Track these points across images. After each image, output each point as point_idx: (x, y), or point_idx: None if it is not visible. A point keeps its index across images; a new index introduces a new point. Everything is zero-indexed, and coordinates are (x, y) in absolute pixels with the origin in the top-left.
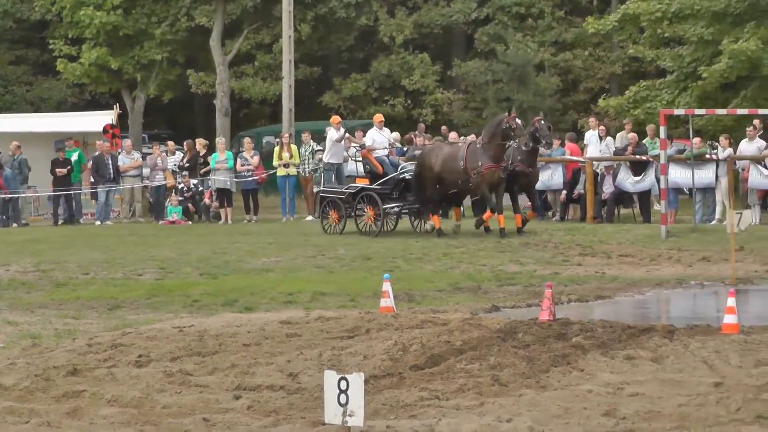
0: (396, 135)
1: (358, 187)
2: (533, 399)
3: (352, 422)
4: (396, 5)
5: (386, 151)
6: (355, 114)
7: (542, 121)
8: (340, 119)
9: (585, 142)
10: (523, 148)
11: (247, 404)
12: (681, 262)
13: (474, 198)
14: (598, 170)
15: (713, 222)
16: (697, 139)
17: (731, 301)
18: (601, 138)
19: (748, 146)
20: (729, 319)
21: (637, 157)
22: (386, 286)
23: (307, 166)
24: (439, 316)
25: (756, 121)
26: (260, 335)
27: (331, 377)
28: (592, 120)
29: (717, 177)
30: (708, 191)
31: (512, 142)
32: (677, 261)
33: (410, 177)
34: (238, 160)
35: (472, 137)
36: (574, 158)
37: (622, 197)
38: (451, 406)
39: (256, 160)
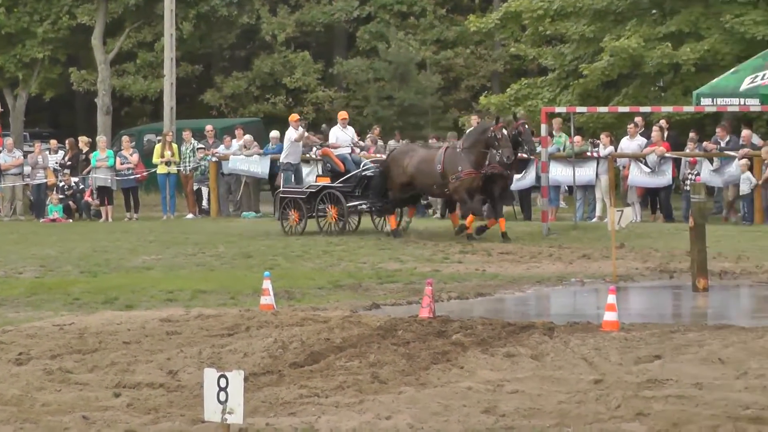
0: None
1: (318, 186)
2: (413, 396)
3: (231, 420)
4: (278, 4)
5: (349, 149)
6: (236, 112)
7: (526, 125)
8: (298, 117)
9: None
10: (505, 160)
11: (126, 402)
12: (561, 260)
13: (449, 202)
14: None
15: (594, 219)
16: (578, 137)
17: (611, 299)
18: None
19: (629, 144)
20: (609, 316)
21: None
22: (266, 284)
23: (187, 164)
24: (319, 314)
25: (637, 119)
26: (140, 333)
27: (210, 375)
28: (474, 118)
29: (597, 175)
30: (588, 189)
31: (495, 152)
32: (558, 258)
33: (371, 174)
34: (118, 158)
35: (451, 141)
36: None
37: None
38: (330, 404)
39: (135, 158)
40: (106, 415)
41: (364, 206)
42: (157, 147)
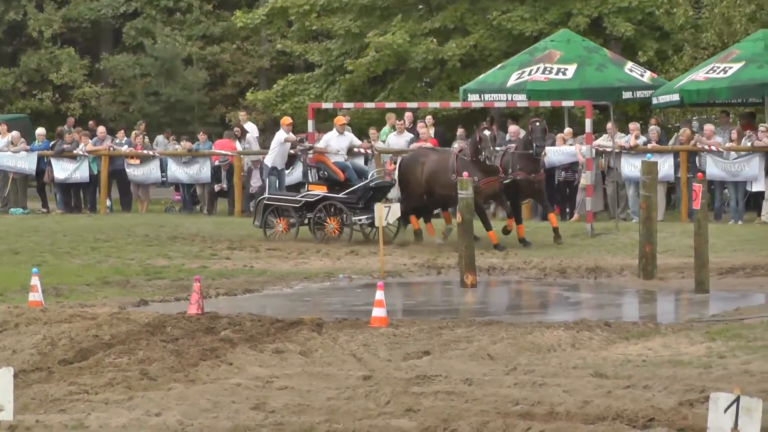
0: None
1: (318, 195)
2: (182, 393)
3: (1, 417)
4: (45, 0)
5: (342, 158)
6: (3, 108)
7: (537, 123)
8: (291, 120)
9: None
10: (487, 162)
11: None
12: (329, 256)
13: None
14: (246, 164)
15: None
16: None
17: (379, 295)
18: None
19: (397, 140)
20: (377, 312)
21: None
22: (35, 281)
23: None
24: (88, 311)
25: (407, 114)
26: None
27: None
28: (242, 114)
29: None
30: None
31: (480, 156)
32: (326, 254)
33: (375, 186)
34: None
35: (458, 145)
36: (223, 152)
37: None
38: (100, 400)
39: None
40: None
41: (365, 221)
42: None
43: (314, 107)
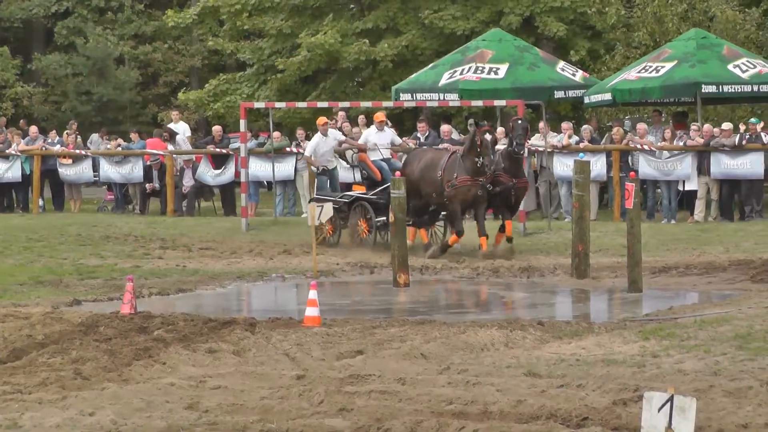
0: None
1: (353, 195)
2: (116, 392)
3: None
4: None
5: (380, 155)
6: None
7: (519, 121)
8: (326, 120)
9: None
10: (486, 170)
11: None
12: (262, 255)
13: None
14: (178, 164)
15: (294, 215)
16: (276, 133)
17: (313, 294)
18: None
19: (378, 137)
20: (310, 311)
21: (218, 150)
22: None
23: None
24: (21, 310)
25: (339, 114)
26: None
27: None
28: (174, 113)
29: (297, 170)
30: (289, 184)
31: (477, 159)
32: (258, 254)
33: None
34: None
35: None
36: (154, 151)
37: (202, 190)
38: (33, 400)
39: None
40: None
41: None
42: None
43: (246, 107)
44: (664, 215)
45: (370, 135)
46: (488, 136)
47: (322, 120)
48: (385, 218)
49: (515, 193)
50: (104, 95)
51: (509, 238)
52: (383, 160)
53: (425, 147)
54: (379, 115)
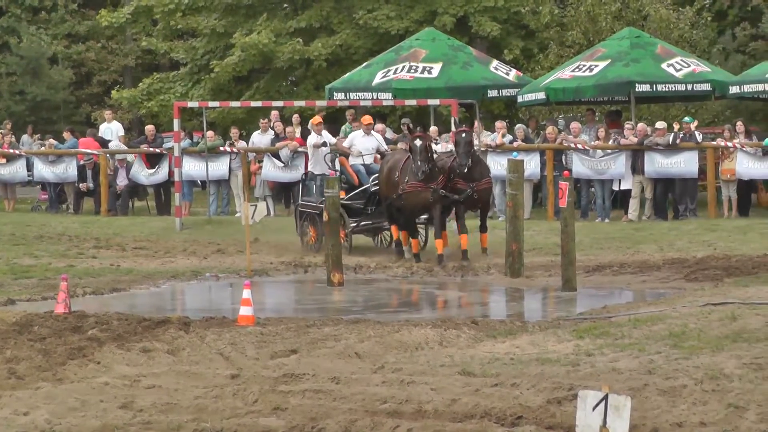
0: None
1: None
2: (50, 392)
3: None
4: None
5: (363, 160)
6: None
7: (463, 134)
8: (320, 120)
9: (100, 134)
10: (419, 175)
11: None
12: (196, 254)
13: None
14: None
15: (228, 214)
16: (210, 132)
17: (246, 293)
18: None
19: (261, 138)
20: (244, 311)
21: (151, 149)
22: None
23: None
24: None
25: (273, 113)
26: None
27: None
28: (108, 113)
29: (231, 169)
30: (223, 183)
31: (421, 165)
32: (192, 253)
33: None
34: None
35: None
36: (88, 151)
37: (136, 190)
38: None
39: None
40: None
41: (370, 226)
42: None
43: (180, 106)
44: (598, 214)
45: (357, 138)
46: (418, 142)
47: (366, 119)
48: (366, 223)
49: (478, 196)
50: (38, 95)
51: (484, 249)
52: (363, 165)
53: (400, 150)
54: (367, 119)
